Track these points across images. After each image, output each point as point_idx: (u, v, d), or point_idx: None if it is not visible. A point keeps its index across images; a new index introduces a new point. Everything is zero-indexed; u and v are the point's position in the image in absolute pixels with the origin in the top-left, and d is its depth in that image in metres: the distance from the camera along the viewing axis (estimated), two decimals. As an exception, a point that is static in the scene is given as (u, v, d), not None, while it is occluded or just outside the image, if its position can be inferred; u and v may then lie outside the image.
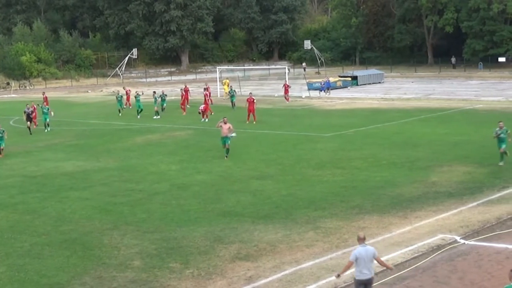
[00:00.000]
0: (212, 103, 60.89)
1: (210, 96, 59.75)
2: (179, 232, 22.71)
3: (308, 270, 18.47)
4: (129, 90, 69.17)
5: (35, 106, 53.28)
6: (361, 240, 15.50)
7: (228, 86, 73.62)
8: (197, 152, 38.55)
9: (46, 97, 63.01)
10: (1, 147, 39.54)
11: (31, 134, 48.05)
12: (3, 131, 40.03)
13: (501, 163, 31.43)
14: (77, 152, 40.51)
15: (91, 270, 19.33)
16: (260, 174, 31.76)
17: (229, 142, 36.01)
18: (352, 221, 23.16)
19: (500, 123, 31.98)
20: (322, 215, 23.98)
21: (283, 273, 18.46)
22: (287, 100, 65.98)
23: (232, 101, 60.72)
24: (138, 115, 56.81)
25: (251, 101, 51.19)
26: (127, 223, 24.00)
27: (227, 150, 35.97)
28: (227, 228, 22.83)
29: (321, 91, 74.08)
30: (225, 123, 35.95)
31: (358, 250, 15.37)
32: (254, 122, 50.09)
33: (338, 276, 15.77)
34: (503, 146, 31.56)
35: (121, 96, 62.15)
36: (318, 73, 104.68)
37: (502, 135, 31.66)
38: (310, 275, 18.16)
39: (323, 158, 35.19)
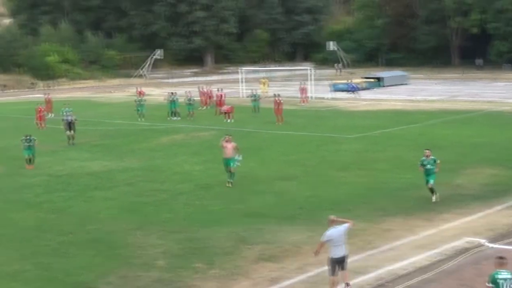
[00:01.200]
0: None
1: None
2: (203, 232, 22.78)
3: (333, 272, 18.43)
4: (143, 92, 68.02)
5: (42, 108, 53.74)
6: (331, 222, 17.05)
7: (267, 85, 73.26)
8: (221, 152, 38.55)
9: (49, 99, 62.38)
10: (29, 156, 36.02)
11: (72, 144, 43.41)
12: (34, 140, 36.35)
13: (434, 199, 25.89)
14: (102, 152, 40.74)
15: (116, 269, 19.46)
16: (284, 175, 31.76)
17: (233, 164, 30.01)
18: (376, 223, 23.11)
19: (426, 151, 26.26)
20: (346, 216, 23.76)
21: (307, 274, 18.47)
22: (303, 102, 65.76)
23: (254, 106, 58.07)
24: (169, 116, 56.43)
25: (277, 103, 51.24)
26: (152, 223, 24.11)
27: (232, 175, 29.95)
28: (251, 229, 22.86)
29: (351, 92, 74.11)
30: (227, 141, 30.19)
31: (330, 231, 16.84)
32: (280, 123, 50.04)
33: (316, 254, 17.21)
34: (431, 181, 25.87)
35: (144, 100, 59.53)
36: (352, 73, 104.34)
37: (428, 166, 25.77)
38: (334, 276, 18.12)
39: (347, 160, 35.14)
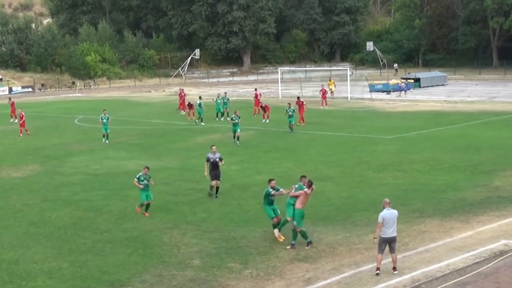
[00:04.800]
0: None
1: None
2: (238, 232, 22.80)
3: (368, 273, 18.36)
4: (184, 93, 64.87)
5: (23, 114, 50.08)
6: (387, 204, 18.63)
7: (334, 85, 72.62)
8: (257, 152, 38.61)
9: (13, 103, 60.10)
10: (145, 202, 25.73)
11: (216, 196, 28.08)
12: (149, 178, 26.06)
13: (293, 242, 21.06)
14: (139, 151, 40.98)
15: (151, 268, 19.56)
16: (320, 176, 31.61)
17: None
18: (413, 224, 22.93)
19: (297, 183, 21.87)
20: (382, 218, 23.75)
21: (342, 275, 18.39)
22: (322, 105, 63.29)
23: (290, 123, 47.16)
24: (216, 117, 55.69)
25: (300, 104, 50.82)
26: (187, 222, 24.19)
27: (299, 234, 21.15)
28: (286, 229, 22.76)
29: (403, 91, 74.29)
30: (307, 192, 21.23)
31: (384, 212, 18.41)
32: (302, 124, 49.52)
33: (375, 239, 18.54)
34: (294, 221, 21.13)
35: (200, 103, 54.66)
36: (409, 73, 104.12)
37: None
38: (369, 278, 18.05)
39: (384, 161, 34.92)
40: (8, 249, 21.78)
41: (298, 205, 20.95)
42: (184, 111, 59.97)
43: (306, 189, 21.16)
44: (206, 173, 28.11)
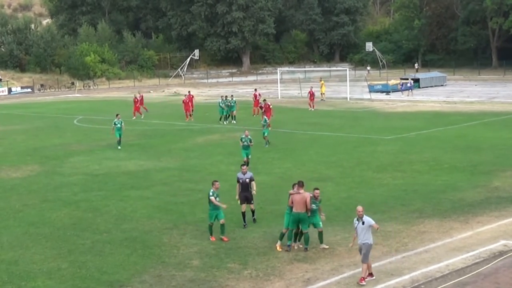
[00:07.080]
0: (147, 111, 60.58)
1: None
2: (238, 232, 22.79)
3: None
4: (140, 96, 62.17)
5: None
6: (362, 212, 18.52)
7: (324, 87, 71.47)
8: (256, 153, 38.50)
9: None
10: (212, 222, 22.20)
11: (254, 219, 24.28)
12: (216, 194, 22.41)
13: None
14: (139, 151, 40.97)
15: (151, 268, 19.55)
16: (319, 176, 31.64)
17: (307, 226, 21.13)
18: (412, 225, 22.93)
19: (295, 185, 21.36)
20: (382, 218, 23.72)
21: (341, 276, 18.40)
22: (311, 107, 61.60)
23: (264, 134, 41.83)
24: (221, 120, 54.25)
25: (267, 107, 48.86)
26: (187, 223, 24.17)
27: (305, 237, 20.97)
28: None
29: (406, 90, 74.70)
30: (297, 191, 21.33)
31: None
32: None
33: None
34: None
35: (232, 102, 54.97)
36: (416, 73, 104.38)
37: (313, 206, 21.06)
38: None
39: (384, 161, 34.92)
40: (8, 250, 21.76)
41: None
42: (135, 115, 59.56)
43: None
44: (237, 197, 24.16)
